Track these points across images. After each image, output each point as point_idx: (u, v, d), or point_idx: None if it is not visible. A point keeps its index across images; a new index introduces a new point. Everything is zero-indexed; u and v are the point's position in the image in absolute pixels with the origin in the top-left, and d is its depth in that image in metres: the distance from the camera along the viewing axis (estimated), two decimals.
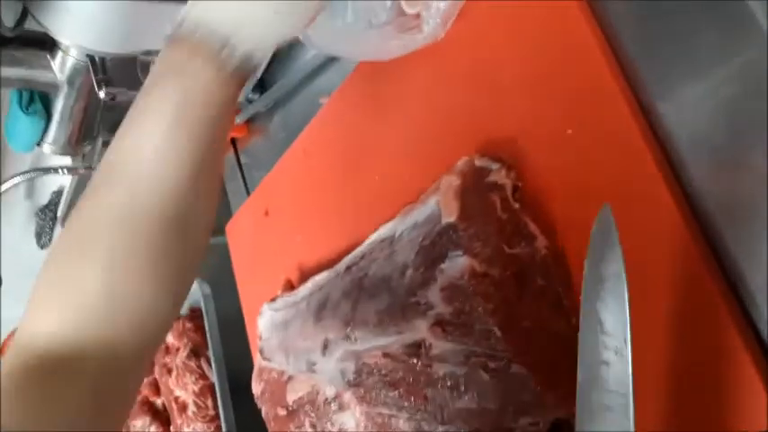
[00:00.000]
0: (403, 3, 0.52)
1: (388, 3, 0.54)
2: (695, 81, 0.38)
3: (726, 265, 0.37)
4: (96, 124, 0.94)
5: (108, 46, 0.73)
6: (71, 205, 1.21)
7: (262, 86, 0.85)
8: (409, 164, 0.56)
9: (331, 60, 0.72)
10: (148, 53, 0.88)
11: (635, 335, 0.33)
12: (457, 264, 0.42)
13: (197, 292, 1.03)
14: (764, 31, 0.35)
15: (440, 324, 0.43)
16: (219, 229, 0.96)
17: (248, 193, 0.91)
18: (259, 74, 0.81)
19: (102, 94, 0.75)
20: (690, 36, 0.38)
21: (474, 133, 0.50)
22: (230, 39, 0.36)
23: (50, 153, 0.90)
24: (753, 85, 0.36)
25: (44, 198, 1.30)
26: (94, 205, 0.36)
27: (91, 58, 0.76)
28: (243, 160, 0.93)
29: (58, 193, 1.26)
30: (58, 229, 1.31)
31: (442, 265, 0.43)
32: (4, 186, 0.99)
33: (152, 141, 0.36)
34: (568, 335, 0.42)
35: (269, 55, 0.39)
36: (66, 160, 1.10)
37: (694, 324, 0.37)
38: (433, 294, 0.43)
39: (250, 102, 0.86)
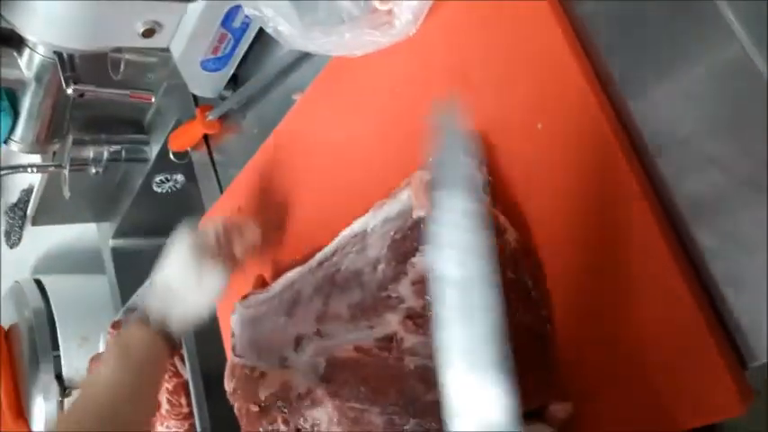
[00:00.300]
0: None
1: None
2: (663, 77, 0.39)
3: (696, 261, 0.38)
4: (66, 122, 0.92)
5: (75, 42, 0.72)
6: (40, 204, 1.19)
7: (235, 83, 0.84)
8: (381, 159, 0.57)
9: (304, 57, 0.72)
10: (118, 50, 0.88)
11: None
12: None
13: None
14: (733, 30, 0.36)
15: (411, 317, 0.43)
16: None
17: (221, 191, 0.90)
18: (232, 70, 0.81)
19: (69, 91, 0.74)
20: (658, 34, 0.39)
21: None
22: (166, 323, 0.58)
23: (18, 151, 0.88)
24: (720, 82, 0.36)
25: (13, 196, 1.28)
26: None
27: (59, 54, 0.75)
28: (216, 157, 0.93)
29: (28, 192, 1.24)
30: (27, 228, 1.28)
31: (413, 259, 0.44)
32: None
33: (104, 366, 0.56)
34: (537, 327, 0.43)
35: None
36: (36, 158, 1.08)
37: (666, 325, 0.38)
38: (405, 288, 0.44)
39: (223, 99, 0.85)
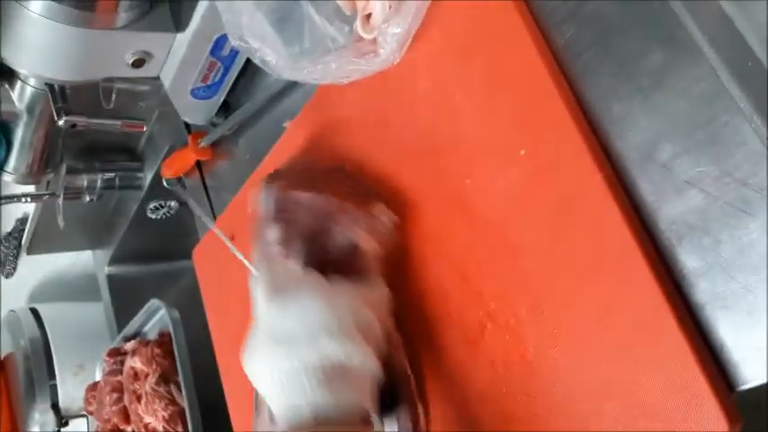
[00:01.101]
0: (359, 28, 0.53)
1: (346, 28, 0.55)
2: (642, 102, 0.39)
3: (680, 284, 0.38)
4: (59, 152, 0.93)
5: (66, 74, 0.72)
6: (35, 232, 1.20)
7: (226, 109, 0.84)
8: (371, 185, 0.57)
9: (294, 84, 0.73)
10: (109, 80, 0.88)
11: None
12: None
13: (165, 318, 1.02)
14: (703, 52, 0.36)
15: None
16: (187, 254, 0.95)
17: (215, 216, 0.90)
18: (223, 97, 0.81)
19: (61, 123, 0.74)
20: (636, 60, 0.40)
21: (432, 154, 0.51)
22: None
23: (11, 182, 0.89)
24: (697, 107, 0.37)
25: (8, 226, 1.28)
26: None
27: (50, 86, 0.75)
28: (209, 184, 0.93)
29: (23, 221, 1.24)
30: (22, 257, 1.28)
31: None
32: None
33: None
34: None
35: None
36: (30, 187, 1.09)
37: (652, 350, 0.38)
38: None
39: (214, 125, 0.85)
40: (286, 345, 0.43)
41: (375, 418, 0.42)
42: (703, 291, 0.37)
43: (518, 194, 0.44)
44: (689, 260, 0.37)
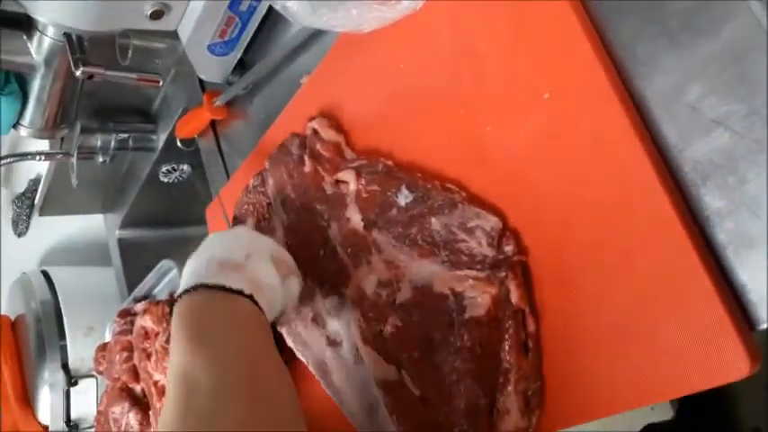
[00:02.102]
0: None
1: None
2: (669, 41, 0.39)
3: (703, 224, 0.37)
4: (74, 108, 0.92)
5: (85, 24, 0.72)
6: (48, 193, 1.20)
7: (242, 68, 0.84)
8: (390, 138, 0.56)
9: (311, 39, 0.72)
10: (126, 35, 0.88)
11: None
12: None
13: (176, 279, 1.02)
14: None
15: None
16: (198, 219, 0.96)
17: (228, 178, 0.90)
18: (240, 54, 0.81)
19: (78, 73, 0.74)
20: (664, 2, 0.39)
21: (455, 102, 0.50)
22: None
23: (27, 136, 0.89)
24: (726, 42, 0.36)
25: (21, 186, 1.29)
26: None
27: (68, 36, 0.75)
28: (223, 144, 0.93)
29: (36, 181, 1.25)
30: (35, 217, 1.29)
31: None
32: None
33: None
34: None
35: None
36: (44, 145, 1.09)
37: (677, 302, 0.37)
38: None
39: (230, 84, 0.85)
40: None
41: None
42: (728, 230, 0.36)
43: (541, 139, 0.44)
44: (713, 200, 0.37)
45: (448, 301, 0.43)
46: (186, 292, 0.48)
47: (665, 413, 1.00)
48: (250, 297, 0.47)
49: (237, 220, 0.69)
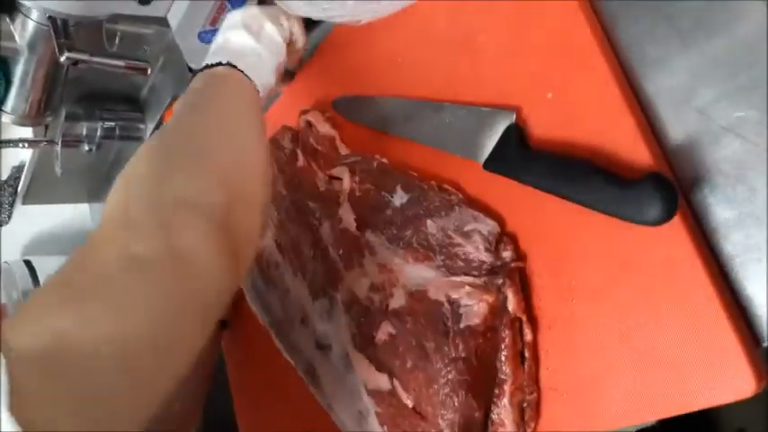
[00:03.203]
0: None
1: None
2: (680, 44, 0.37)
3: (711, 234, 0.36)
4: (59, 94, 0.90)
5: (71, 8, 0.69)
6: (32, 181, 1.17)
7: None
8: (383, 137, 0.55)
9: (306, 28, 0.70)
10: (114, 21, 0.85)
11: None
12: None
13: None
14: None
15: None
16: None
17: None
18: None
19: (63, 59, 0.71)
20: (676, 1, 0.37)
21: (453, 98, 0.48)
22: None
23: (9, 123, 0.86)
24: (741, 45, 0.35)
25: (4, 173, 1.25)
26: None
27: (53, 20, 0.72)
28: None
29: (19, 169, 1.21)
30: (17, 206, 1.26)
31: None
32: None
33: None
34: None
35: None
36: (28, 133, 1.06)
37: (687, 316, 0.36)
38: None
39: None
40: None
41: None
42: (735, 242, 0.35)
43: (543, 140, 0.42)
44: (721, 210, 0.36)
45: (443, 309, 0.42)
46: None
47: None
48: (228, 65, 0.49)
49: None
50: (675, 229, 0.35)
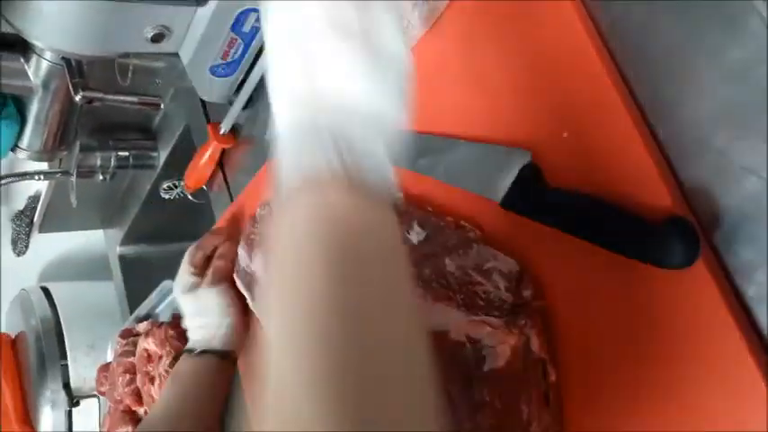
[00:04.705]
0: None
1: None
2: (697, 84, 0.37)
3: (732, 274, 0.36)
4: (73, 129, 0.91)
5: (83, 48, 0.70)
6: (47, 211, 1.18)
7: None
8: (400, 174, 0.55)
9: None
10: (126, 55, 0.86)
11: None
12: None
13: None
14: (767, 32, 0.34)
15: None
16: (200, 235, 0.94)
17: (232, 198, 0.88)
18: (242, 75, 0.79)
19: (77, 98, 0.72)
20: (688, 37, 0.37)
21: (468, 132, 0.48)
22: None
23: (25, 159, 0.87)
24: (749, 85, 0.35)
25: (20, 204, 1.27)
26: None
27: (66, 60, 0.73)
28: (227, 167, 0.91)
29: (35, 199, 1.23)
30: (34, 235, 1.27)
31: None
32: None
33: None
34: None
35: None
36: (43, 165, 1.07)
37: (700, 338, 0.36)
38: None
39: (231, 103, 0.83)
40: None
41: None
42: (758, 283, 0.35)
43: (561, 180, 0.42)
44: (744, 251, 0.35)
45: (465, 350, 0.42)
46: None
47: None
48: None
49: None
50: (698, 271, 0.35)
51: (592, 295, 0.40)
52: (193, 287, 0.53)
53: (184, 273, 0.54)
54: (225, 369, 0.54)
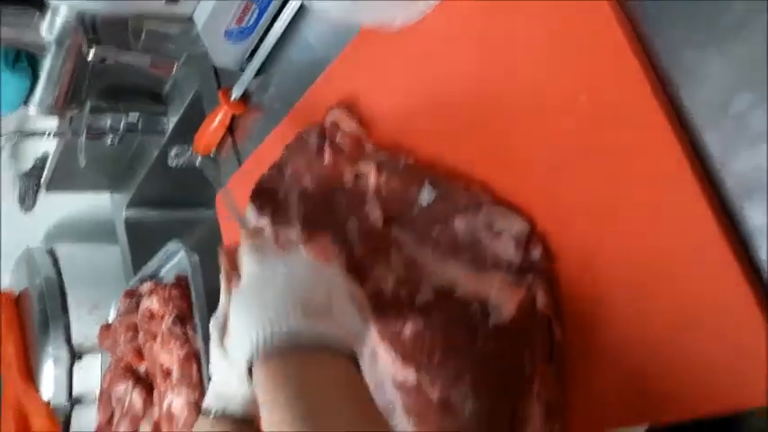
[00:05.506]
0: None
1: None
2: (717, 47, 0.37)
3: (745, 243, 0.36)
4: (84, 88, 0.91)
5: (99, 5, 0.71)
6: (55, 170, 1.19)
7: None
8: (413, 133, 0.56)
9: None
10: (139, 18, 0.87)
11: None
12: None
13: (183, 261, 1.02)
14: None
15: None
16: (206, 202, 0.95)
17: (240, 164, 0.89)
18: (256, 42, 0.79)
19: (90, 56, 0.73)
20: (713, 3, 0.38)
21: (483, 99, 0.49)
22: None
23: (36, 114, 0.88)
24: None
25: (29, 162, 1.28)
26: None
27: (80, 17, 0.74)
28: (236, 134, 0.92)
29: (43, 159, 1.24)
30: (41, 194, 1.28)
31: None
32: None
33: None
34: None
35: None
36: (53, 124, 1.08)
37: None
38: None
39: (242, 70, 0.84)
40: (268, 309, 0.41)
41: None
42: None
43: (574, 142, 0.43)
44: (757, 217, 0.36)
45: (471, 307, 0.43)
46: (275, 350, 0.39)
47: None
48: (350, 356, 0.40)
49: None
50: (711, 234, 0.36)
51: (600, 257, 0.41)
52: (223, 332, 0.47)
53: (220, 314, 0.48)
54: None
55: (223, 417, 0.46)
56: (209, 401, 0.47)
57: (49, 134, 1.05)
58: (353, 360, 0.40)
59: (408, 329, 0.47)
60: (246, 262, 0.47)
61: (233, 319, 0.43)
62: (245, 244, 0.48)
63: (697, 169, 0.37)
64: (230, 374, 0.45)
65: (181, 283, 1.00)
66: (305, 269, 0.45)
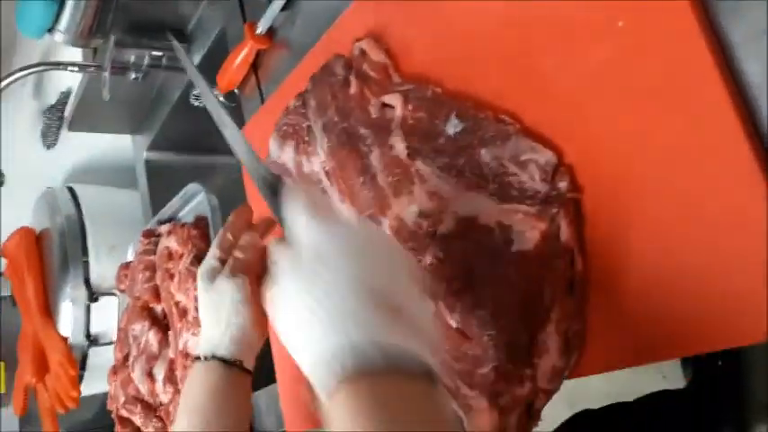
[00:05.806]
0: None
1: None
2: None
3: None
4: (109, 18, 0.90)
5: None
6: (78, 106, 1.19)
7: None
8: (440, 64, 0.54)
9: None
10: None
11: None
12: None
13: (202, 204, 1.02)
14: None
15: None
16: (228, 149, 0.94)
17: (263, 102, 0.88)
18: None
19: None
20: None
21: (514, 24, 0.47)
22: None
23: (61, 41, 0.87)
24: None
25: (52, 98, 1.28)
26: None
27: None
28: (260, 71, 0.90)
29: (67, 94, 1.24)
30: (64, 130, 1.28)
31: None
32: (13, 77, 0.97)
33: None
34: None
35: None
36: (77, 58, 1.07)
37: None
38: None
39: (269, 2, 0.81)
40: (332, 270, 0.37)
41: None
42: None
43: (609, 71, 0.41)
44: None
45: (494, 235, 0.42)
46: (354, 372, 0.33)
47: (677, 382, 0.99)
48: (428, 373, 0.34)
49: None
50: (748, 168, 0.34)
51: (628, 190, 0.40)
52: (212, 274, 0.48)
53: (209, 256, 0.49)
54: (239, 382, 0.47)
55: (213, 360, 0.46)
56: (199, 348, 0.47)
57: (73, 67, 1.04)
58: (432, 377, 0.34)
59: (428, 259, 0.46)
60: (298, 224, 0.41)
61: (296, 301, 0.38)
62: (297, 199, 0.42)
63: (737, 100, 0.36)
64: (220, 306, 0.45)
65: (200, 224, 1.00)
66: (361, 239, 0.40)
